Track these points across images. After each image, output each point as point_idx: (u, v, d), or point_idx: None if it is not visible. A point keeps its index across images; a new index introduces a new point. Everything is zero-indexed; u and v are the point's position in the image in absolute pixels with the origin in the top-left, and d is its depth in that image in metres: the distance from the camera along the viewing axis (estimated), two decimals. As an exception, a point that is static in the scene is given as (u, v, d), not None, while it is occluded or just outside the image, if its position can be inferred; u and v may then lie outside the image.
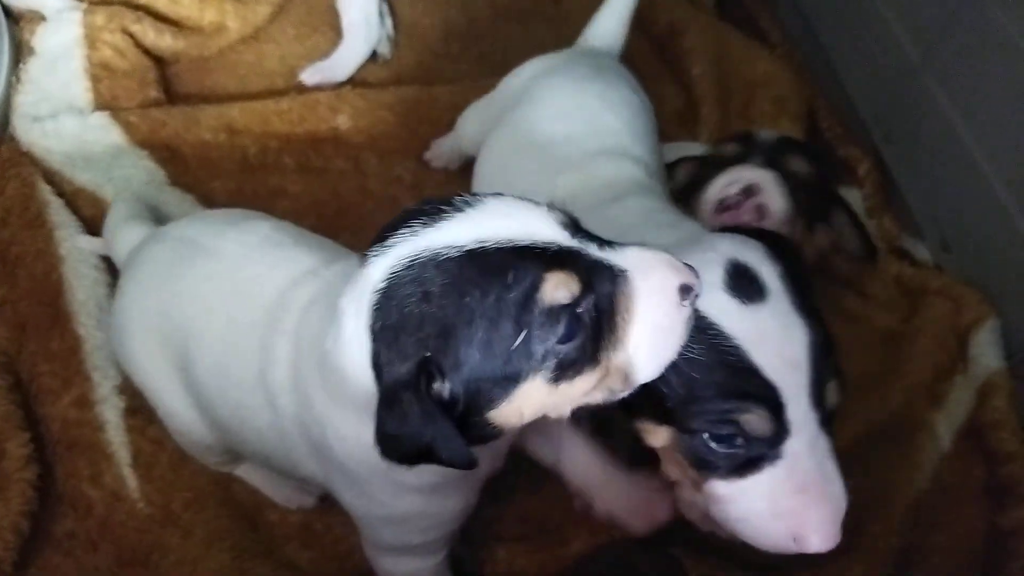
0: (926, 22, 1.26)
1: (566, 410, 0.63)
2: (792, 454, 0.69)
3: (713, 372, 0.67)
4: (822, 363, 0.70)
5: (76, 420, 1.05)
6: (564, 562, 1.02)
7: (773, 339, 0.68)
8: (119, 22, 1.32)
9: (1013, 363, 1.19)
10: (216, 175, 1.27)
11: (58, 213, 1.16)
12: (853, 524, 1.10)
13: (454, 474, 0.66)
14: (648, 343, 0.60)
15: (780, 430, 0.68)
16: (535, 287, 0.56)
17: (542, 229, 0.58)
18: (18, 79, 1.29)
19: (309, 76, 1.40)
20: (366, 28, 1.39)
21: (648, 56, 1.51)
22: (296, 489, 1.04)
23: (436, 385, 0.57)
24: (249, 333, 0.77)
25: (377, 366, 0.58)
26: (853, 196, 1.43)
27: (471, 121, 1.19)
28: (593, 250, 0.59)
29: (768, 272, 0.70)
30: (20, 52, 1.32)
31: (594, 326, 0.58)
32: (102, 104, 1.28)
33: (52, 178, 1.21)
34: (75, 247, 1.13)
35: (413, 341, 0.57)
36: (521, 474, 1.10)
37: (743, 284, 0.68)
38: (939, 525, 1.12)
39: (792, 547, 0.70)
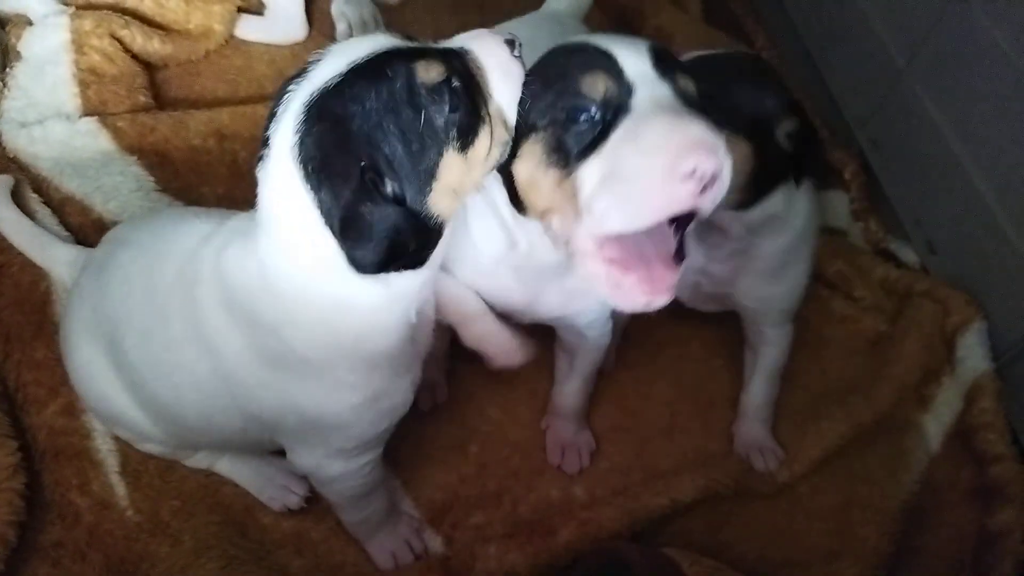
0: (911, 26, 1.28)
1: (479, 179, 0.74)
2: (641, 101, 0.70)
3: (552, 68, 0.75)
4: (663, 52, 0.74)
5: (63, 428, 1.04)
6: (554, 552, 1.03)
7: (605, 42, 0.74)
8: (107, 27, 1.31)
9: (1000, 365, 1.20)
10: (206, 180, 1.26)
11: (45, 222, 1.15)
12: (843, 526, 1.12)
13: (406, 332, 0.77)
14: (504, 87, 0.73)
15: (622, 89, 0.71)
16: (412, 73, 0.67)
17: (392, 42, 0.70)
18: (5, 84, 1.27)
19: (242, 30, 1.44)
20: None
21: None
22: (280, 488, 1.04)
23: (383, 186, 0.66)
24: (168, 297, 0.83)
25: (323, 205, 0.66)
26: (840, 199, 1.44)
27: None
28: (429, 47, 0.72)
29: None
30: (7, 57, 1.31)
31: (467, 93, 0.70)
32: (90, 110, 1.27)
33: (40, 185, 1.20)
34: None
35: (345, 162, 0.65)
36: (511, 477, 1.11)
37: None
38: (929, 527, 1.13)
39: (682, 184, 0.65)
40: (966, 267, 1.26)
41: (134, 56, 1.34)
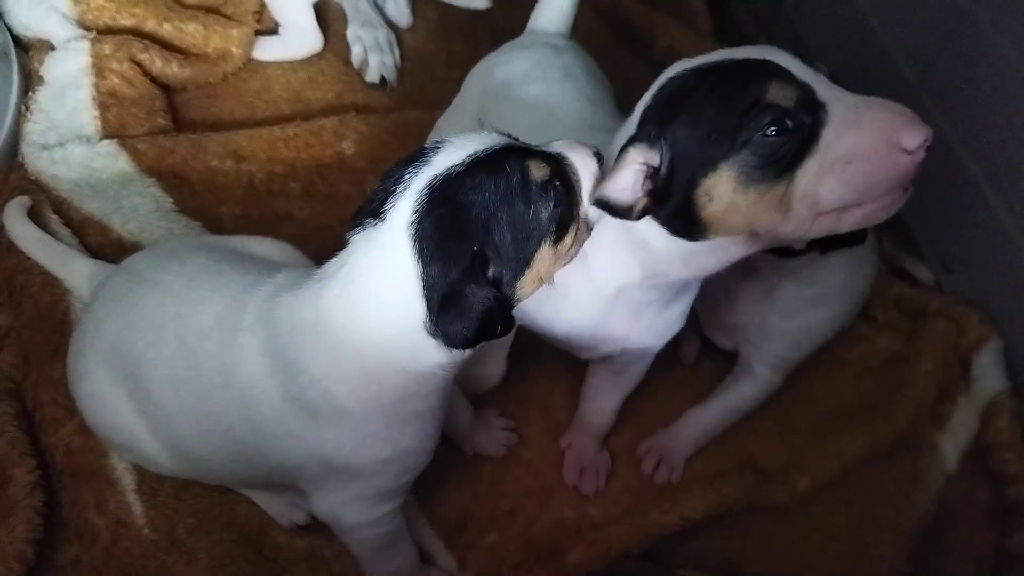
0: (922, 43, 1.28)
1: (557, 270, 0.79)
2: (830, 97, 0.73)
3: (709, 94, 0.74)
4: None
5: (80, 447, 1.05)
6: (566, 573, 1.03)
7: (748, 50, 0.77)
8: (127, 51, 1.33)
9: (1016, 383, 1.20)
10: (223, 201, 1.28)
11: (66, 243, 1.16)
12: (858, 545, 1.11)
13: (440, 398, 0.83)
14: (588, 195, 0.79)
15: (807, 91, 0.73)
16: (527, 170, 0.74)
17: (506, 140, 0.77)
18: (27, 108, 1.30)
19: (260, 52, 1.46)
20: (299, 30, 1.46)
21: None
22: (288, 504, 1.05)
23: (488, 271, 0.73)
24: (202, 343, 0.85)
25: (429, 280, 0.72)
26: (854, 218, 1.44)
27: (447, 130, 1.20)
28: (537, 148, 0.78)
29: None
30: (29, 81, 1.33)
31: (566, 192, 0.76)
32: (110, 132, 1.29)
33: (60, 206, 1.21)
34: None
35: (459, 245, 0.71)
36: (525, 496, 1.12)
37: None
38: (944, 547, 1.12)
39: (896, 156, 0.71)
40: (981, 285, 1.26)
41: (153, 79, 1.37)
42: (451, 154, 0.74)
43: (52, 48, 1.36)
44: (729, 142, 0.73)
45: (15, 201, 1.17)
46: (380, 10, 1.55)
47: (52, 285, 1.13)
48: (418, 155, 0.75)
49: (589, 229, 0.81)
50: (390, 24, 1.55)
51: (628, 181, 0.76)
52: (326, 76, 1.46)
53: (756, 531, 1.13)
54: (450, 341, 0.73)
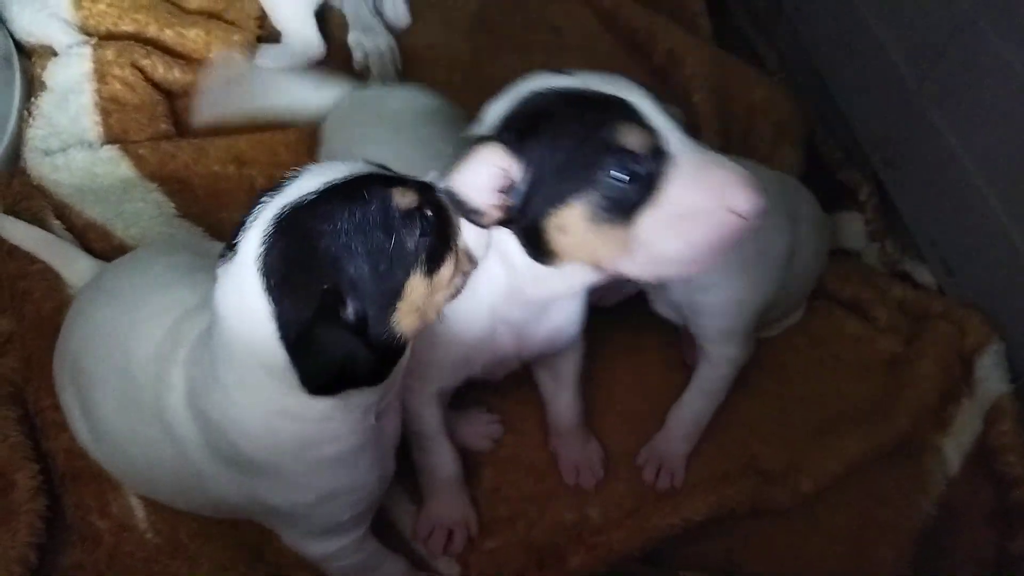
0: (922, 46, 1.28)
1: (441, 303, 0.75)
2: (674, 145, 0.74)
3: (566, 126, 0.74)
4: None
5: (81, 451, 1.04)
6: None
7: (608, 82, 0.76)
8: (129, 57, 1.34)
9: (1019, 386, 1.20)
10: (224, 206, 1.28)
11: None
12: (860, 548, 1.11)
13: (358, 439, 0.77)
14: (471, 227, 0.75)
15: (655, 137, 0.74)
16: (388, 197, 0.68)
17: (370, 168, 0.72)
18: (29, 113, 1.31)
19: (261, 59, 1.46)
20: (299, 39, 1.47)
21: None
22: None
23: (343, 311, 0.66)
24: (144, 369, 0.81)
25: (281, 319, 0.66)
26: (854, 220, 1.44)
27: None
28: (406, 177, 0.73)
29: None
30: (32, 86, 1.35)
31: (439, 221, 0.72)
32: (112, 138, 1.30)
33: (62, 212, 1.22)
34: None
35: (307, 281, 0.65)
36: (525, 500, 1.12)
37: None
38: (947, 549, 1.12)
39: (729, 219, 0.72)
40: (983, 288, 1.26)
41: (155, 85, 1.37)
42: (307, 181, 0.68)
43: (54, 54, 1.37)
44: (582, 177, 0.73)
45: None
46: (378, 12, 1.55)
47: (54, 291, 1.13)
48: (276, 183, 0.70)
49: (472, 260, 0.77)
50: (389, 26, 1.56)
51: (482, 179, 0.74)
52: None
53: (758, 533, 1.12)
54: (308, 386, 0.67)
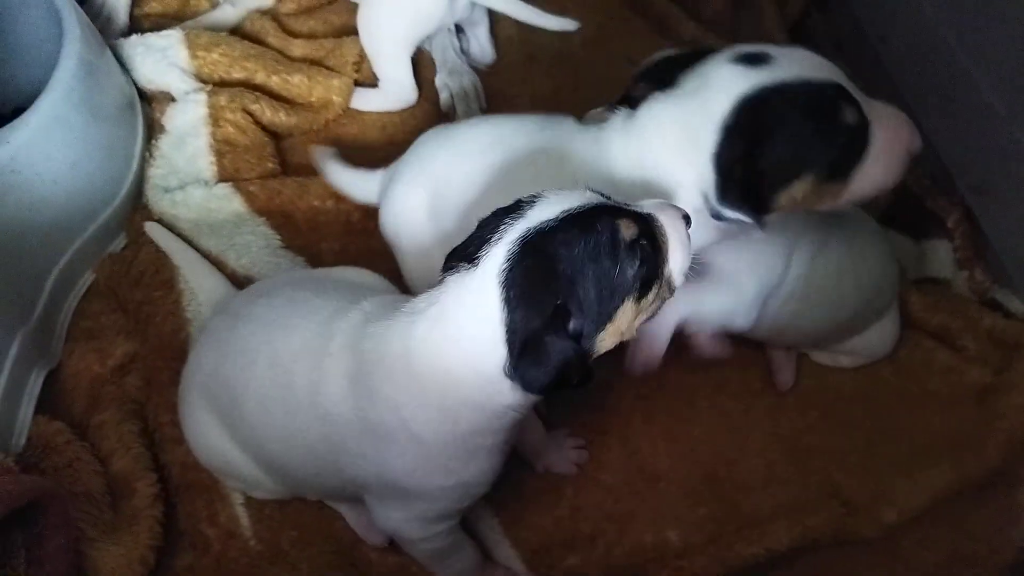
0: (1009, 73, 1.26)
1: (638, 324, 0.83)
2: (872, 113, 0.93)
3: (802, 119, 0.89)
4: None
5: (194, 464, 1.13)
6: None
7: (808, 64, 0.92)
8: (240, 102, 1.43)
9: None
10: (324, 238, 1.36)
11: (186, 279, 1.27)
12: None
13: (508, 435, 0.87)
14: (679, 255, 0.83)
15: (860, 109, 0.91)
16: (616, 229, 0.77)
17: (598, 198, 0.80)
18: (150, 154, 1.41)
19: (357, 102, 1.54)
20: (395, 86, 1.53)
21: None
22: (365, 526, 1.11)
23: (569, 325, 0.76)
24: (292, 366, 0.91)
25: (512, 327, 0.75)
26: (943, 248, 1.42)
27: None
28: (628, 208, 0.82)
29: None
30: (152, 130, 1.44)
31: (653, 252, 0.80)
32: (225, 176, 1.39)
33: (181, 244, 1.31)
34: (199, 311, 1.24)
35: (544, 296, 0.75)
36: (605, 520, 1.14)
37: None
38: (1040, 585, 1.09)
39: (907, 158, 0.95)
40: (1077, 317, 1.22)
41: (263, 127, 1.47)
42: (545, 209, 0.78)
43: (172, 99, 1.46)
44: (814, 155, 0.90)
45: (152, 224, 1.32)
46: (464, 50, 1.62)
47: (174, 315, 1.23)
48: (514, 207, 0.80)
49: (672, 288, 0.84)
50: (474, 63, 1.62)
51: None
52: (417, 119, 1.53)
53: (841, 564, 1.12)
54: (527, 386, 0.76)
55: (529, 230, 0.76)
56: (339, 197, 1.38)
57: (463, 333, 0.77)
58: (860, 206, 1.21)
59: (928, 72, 1.48)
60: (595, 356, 0.80)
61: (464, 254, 0.79)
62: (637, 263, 0.77)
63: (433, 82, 1.58)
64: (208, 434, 1.03)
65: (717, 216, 0.92)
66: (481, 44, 1.62)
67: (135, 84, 1.46)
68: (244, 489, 1.10)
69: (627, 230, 0.77)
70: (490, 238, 0.78)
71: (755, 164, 0.89)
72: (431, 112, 1.55)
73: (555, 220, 0.76)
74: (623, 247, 0.77)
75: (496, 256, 0.76)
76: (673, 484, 1.18)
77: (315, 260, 1.33)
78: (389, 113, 1.55)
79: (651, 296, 0.81)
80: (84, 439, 1.14)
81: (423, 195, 1.13)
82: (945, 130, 1.46)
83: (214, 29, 1.56)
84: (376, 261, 1.20)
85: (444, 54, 1.59)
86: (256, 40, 1.58)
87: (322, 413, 0.89)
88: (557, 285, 0.75)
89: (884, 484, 1.15)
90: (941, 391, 1.26)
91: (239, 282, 1.25)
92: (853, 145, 0.91)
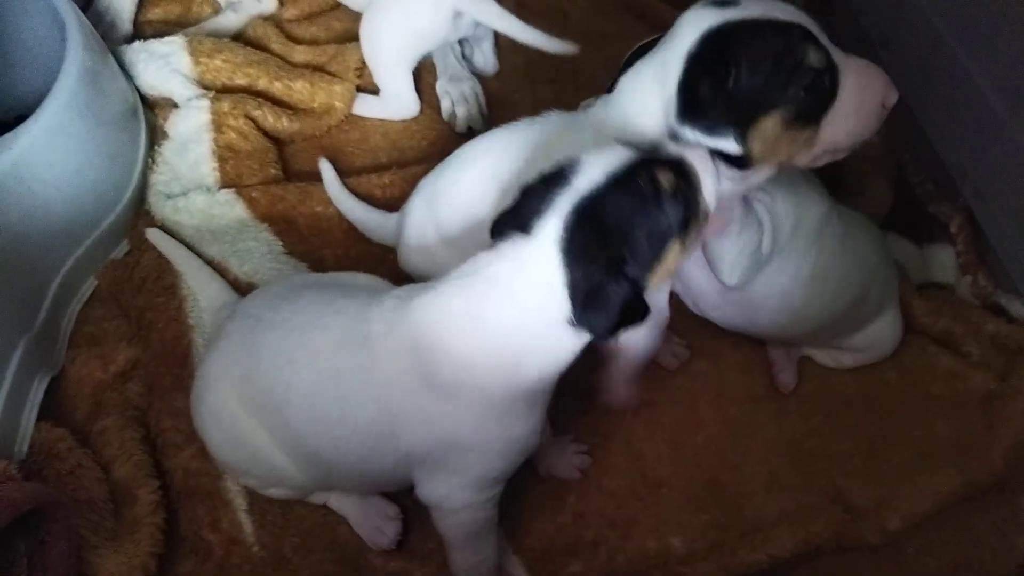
0: (1012, 76, 1.26)
1: (683, 261, 0.90)
2: (840, 60, 0.93)
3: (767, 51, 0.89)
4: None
5: (196, 470, 1.14)
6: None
7: (777, 8, 0.92)
8: (242, 108, 1.44)
9: (1121, 423, 1.15)
10: (327, 243, 1.36)
11: (188, 285, 1.28)
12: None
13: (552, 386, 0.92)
14: (710, 187, 0.89)
15: (827, 54, 0.91)
16: (658, 182, 0.83)
17: (635, 153, 0.86)
18: (153, 160, 1.41)
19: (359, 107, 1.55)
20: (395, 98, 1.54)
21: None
22: (374, 529, 1.11)
23: (627, 271, 0.82)
24: (336, 354, 0.95)
25: (574, 284, 0.82)
26: (946, 253, 1.42)
27: None
28: (659, 157, 0.88)
29: None
30: (155, 136, 1.45)
31: (690, 193, 0.86)
32: (228, 182, 1.39)
33: (183, 249, 1.31)
34: (201, 317, 1.24)
35: (601, 253, 0.82)
36: (608, 527, 1.14)
37: None
38: (1045, 592, 1.08)
39: (881, 110, 0.96)
40: (1082, 322, 1.22)
41: (266, 133, 1.47)
42: (589, 173, 0.84)
43: (175, 106, 1.47)
44: (779, 94, 0.90)
45: (154, 230, 1.33)
46: (468, 60, 1.62)
47: (176, 322, 1.23)
48: (559, 174, 0.85)
49: (707, 219, 0.90)
50: (477, 73, 1.62)
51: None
52: (420, 126, 1.54)
53: (844, 570, 1.11)
54: (593, 331, 0.83)
55: (580, 198, 0.83)
56: (341, 203, 1.38)
57: (525, 292, 0.84)
58: (866, 209, 1.22)
59: (930, 76, 1.48)
60: (646, 292, 0.86)
61: (516, 223, 0.85)
62: (680, 208, 0.85)
63: (434, 87, 1.59)
64: (236, 430, 1.02)
65: (674, 136, 0.93)
66: (485, 56, 1.63)
67: (138, 90, 1.47)
68: (258, 486, 1.09)
69: (666, 180, 0.84)
70: (542, 209, 0.84)
71: (723, 84, 0.89)
72: (433, 118, 1.55)
73: (601, 185, 0.83)
74: (666, 196, 0.84)
75: (551, 226, 0.82)
76: (676, 490, 1.18)
77: (317, 266, 1.33)
78: (392, 120, 1.55)
79: (693, 234, 0.88)
80: (86, 446, 1.14)
81: (430, 216, 1.16)
82: (947, 134, 1.46)
83: (217, 35, 1.57)
84: (379, 267, 1.20)
85: (445, 60, 1.59)
86: (258, 46, 1.59)
87: (376, 391, 0.92)
88: (611, 241, 0.82)
89: (888, 489, 1.15)
90: (945, 396, 1.25)
91: (241, 289, 1.25)
92: (819, 88, 0.91)
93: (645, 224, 0.83)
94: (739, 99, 0.90)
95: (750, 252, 1.07)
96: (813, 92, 0.91)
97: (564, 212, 0.83)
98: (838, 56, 0.92)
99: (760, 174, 0.98)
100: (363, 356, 0.93)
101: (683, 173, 0.87)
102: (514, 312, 0.85)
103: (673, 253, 0.86)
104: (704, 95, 0.91)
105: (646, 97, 0.96)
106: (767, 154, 0.94)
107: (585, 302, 0.82)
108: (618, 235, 0.82)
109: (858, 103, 0.93)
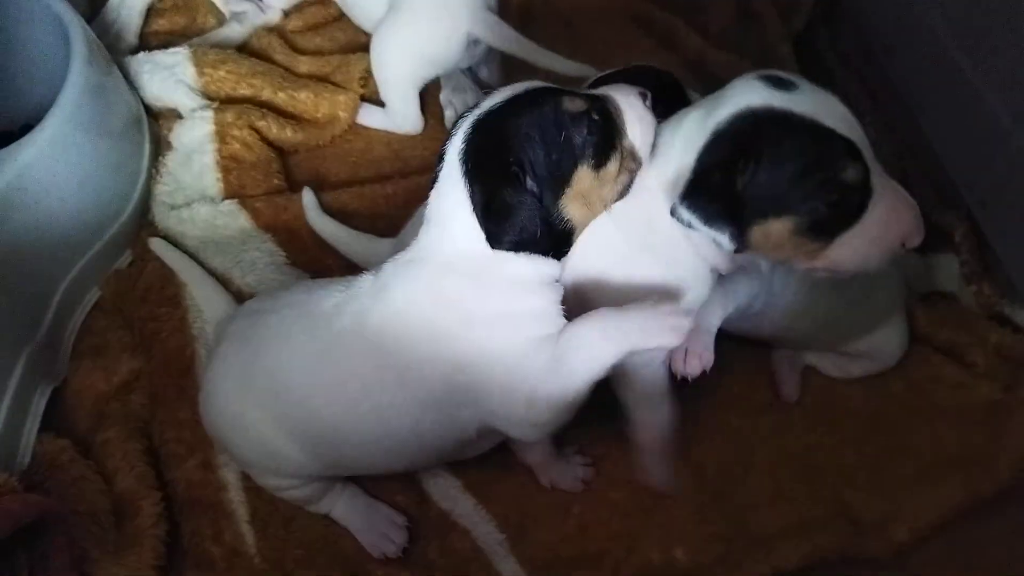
0: (1017, 86, 1.26)
1: (608, 197, 0.90)
2: (878, 183, 0.86)
3: (796, 155, 0.84)
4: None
5: (200, 482, 1.14)
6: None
7: (829, 110, 0.86)
8: (246, 119, 1.44)
9: None
10: (329, 254, 1.36)
11: (192, 295, 1.27)
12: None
13: (556, 328, 0.90)
14: (638, 127, 0.90)
15: (866, 174, 0.85)
16: (559, 103, 0.86)
17: (546, 85, 0.89)
18: (157, 171, 1.42)
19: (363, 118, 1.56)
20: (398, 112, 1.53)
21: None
22: (380, 535, 1.10)
23: (524, 181, 0.83)
24: (347, 343, 0.93)
25: (473, 195, 0.84)
26: (950, 262, 1.41)
27: None
28: (579, 91, 0.90)
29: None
30: (159, 146, 1.46)
31: (605, 124, 0.88)
32: (231, 193, 1.40)
33: (187, 260, 1.31)
34: (205, 328, 1.24)
35: (496, 161, 0.84)
36: (612, 539, 1.13)
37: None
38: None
39: (901, 249, 0.89)
40: (1087, 332, 1.21)
41: (269, 144, 1.48)
42: (495, 97, 0.88)
43: (179, 116, 1.48)
44: (798, 201, 0.85)
45: (158, 240, 1.32)
46: (474, 74, 1.62)
47: (179, 332, 1.23)
48: (476, 104, 0.89)
49: (637, 161, 0.90)
50: (482, 85, 1.62)
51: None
52: (423, 136, 1.54)
53: (850, 583, 1.11)
54: (493, 240, 0.84)
55: (479, 115, 0.87)
56: (345, 213, 1.39)
57: (452, 221, 0.86)
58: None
59: (934, 84, 1.48)
60: (565, 224, 0.87)
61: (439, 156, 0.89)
62: (584, 131, 0.85)
63: (438, 97, 1.59)
64: (250, 428, 1.00)
65: (673, 213, 0.87)
66: (491, 71, 1.63)
67: (142, 101, 1.47)
68: (275, 488, 1.08)
69: (571, 103, 0.86)
70: (453, 133, 0.88)
71: (734, 178, 0.84)
72: (436, 128, 1.55)
73: (502, 103, 0.86)
74: (567, 116, 0.85)
75: (455, 144, 0.87)
76: (680, 502, 1.17)
77: (320, 276, 1.32)
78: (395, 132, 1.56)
79: (611, 166, 0.88)
80: (88, 457, 1.14)
81: None
82: (951, 143, 1.46)
83: (221, 46, 1.58)
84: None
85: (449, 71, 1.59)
86: (263, 57, 1.60)
87: (434, 347, 0.90)
88: (508, 152, 0.84)
89: (893, 501, 1.14)
90: (950, 407, 1.25)
91: (244, 300, 1.23)
92: (844, 207, 0.85)
93: (544, 140, 0.84)
94: (752, 196, 0.84)
95: (736, 305, 1.07)
96: (837, 209, 0.85)
97: (465, 130, 0.86)
98: (877, 178, 0.86)
99: (749, 259, 0.94)
100: (366, 326, 0.92)
101: (601, 107, 0.88)
102: (456, 241, 0.87)
103: (583, 179, 0.86)
104: (712, 184, 0.85)
105: (671, 150, 0.91)
106: (765, 250, 0.90)
107: (486, 211, 0.83)
108: (515, 146, 0.84)
109: (880, 233, 0.87)
